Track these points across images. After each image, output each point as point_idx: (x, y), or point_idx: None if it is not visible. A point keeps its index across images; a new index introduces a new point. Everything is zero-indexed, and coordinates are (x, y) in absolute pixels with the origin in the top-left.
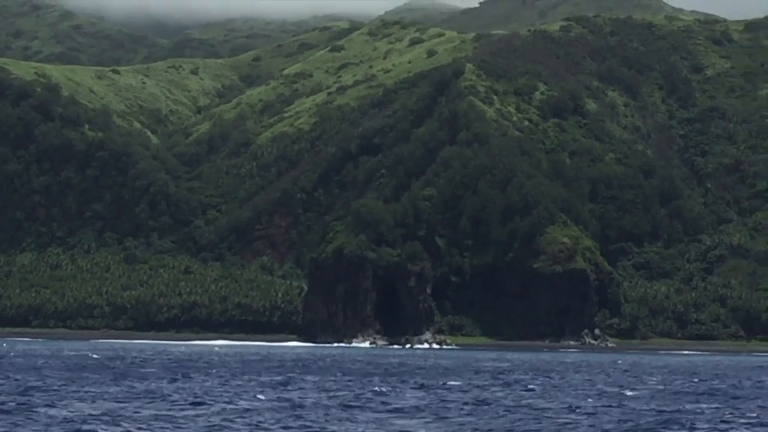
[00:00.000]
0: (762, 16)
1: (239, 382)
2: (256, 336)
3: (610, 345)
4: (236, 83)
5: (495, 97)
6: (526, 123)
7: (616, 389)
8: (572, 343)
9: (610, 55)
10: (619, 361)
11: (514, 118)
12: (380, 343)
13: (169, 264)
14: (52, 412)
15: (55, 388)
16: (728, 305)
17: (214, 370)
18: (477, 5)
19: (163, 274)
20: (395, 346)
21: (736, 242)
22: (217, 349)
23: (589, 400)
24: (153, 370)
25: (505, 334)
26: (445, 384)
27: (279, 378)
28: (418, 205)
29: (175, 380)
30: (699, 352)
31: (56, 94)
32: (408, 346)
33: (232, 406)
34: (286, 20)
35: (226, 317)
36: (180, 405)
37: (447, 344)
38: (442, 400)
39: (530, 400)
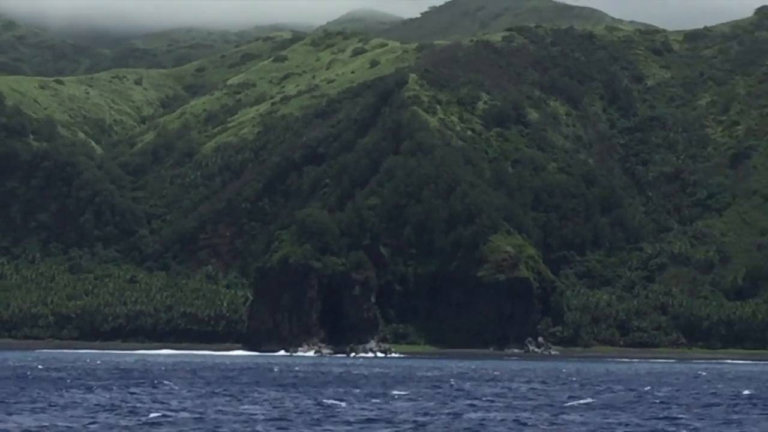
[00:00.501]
0: (701, 26)
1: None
2: (202, 345)
3: (553, 353)
4: (180, 93)
5: (438, 107)
6: (469, 133)
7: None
8: (516, 350)
9: (551, 65)
10: (563, 369)
11: (458, 128)
12: (325, 351)
13: (114, 273)
14: None
15: None
16: (669, 313)
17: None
18: (418, 15)
19: (108, 284)
20: (340, 355)
21: (677, 250)
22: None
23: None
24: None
25: (449, 342)
26: (391, 394)
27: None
28: (362, 214)
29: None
30: (639, 360)
31: (0, 104)
32: (353, 354)
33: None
34: (228, 31)
35: (172, 326)
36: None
37: (391, 353)
38: (391, 412)
39: (473, 414)
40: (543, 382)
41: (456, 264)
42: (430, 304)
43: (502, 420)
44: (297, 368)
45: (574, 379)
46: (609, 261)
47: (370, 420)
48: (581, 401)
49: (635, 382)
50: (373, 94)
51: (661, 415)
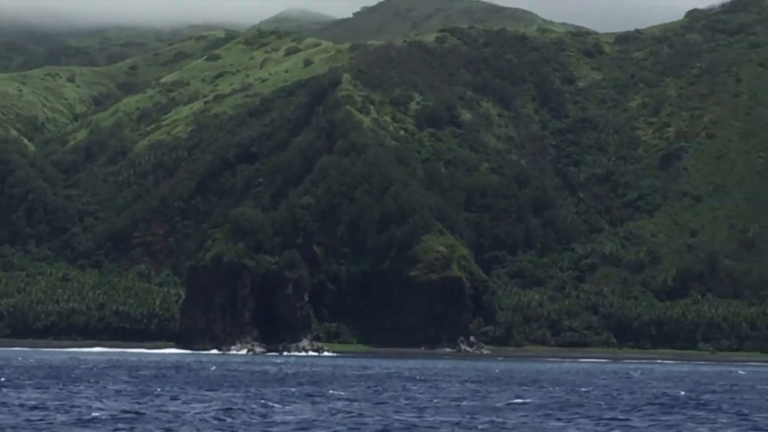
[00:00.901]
0: (632, 29)
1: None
2: (134, 343)
3: (485, 352)
4: (113, 91)
5: (371, 107)
6: (402, 133)
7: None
8: (448, 350)
9: (484, 66)
10: (497, 369)
11: (391, 128)
12: (258, 350)
13: (47, 271)
14: None
15: None
16: (600, 313)
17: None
18: (351, 16)
19: (40, 282)
20: (273, 354)
21: (608, 251)
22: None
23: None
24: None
25: (381, 342)
26: (327, 393)
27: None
28: (296, 213)
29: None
30: (570, 360)
31: None
32: (285, 353)
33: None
34: (161, 29)
35: (104, 324)
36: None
37: (324, 352)
38: (326, 412)
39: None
40: (478, 382)
41: (389, 263)
42: (362, 303)
43: (443, 422)
44: (232, 367)
45: (510, 378)
46: (540, 261)
47: (307, 420)
48: (521, 401)
49: (571, 382)
50: (306, 93)
51: (604, 416)
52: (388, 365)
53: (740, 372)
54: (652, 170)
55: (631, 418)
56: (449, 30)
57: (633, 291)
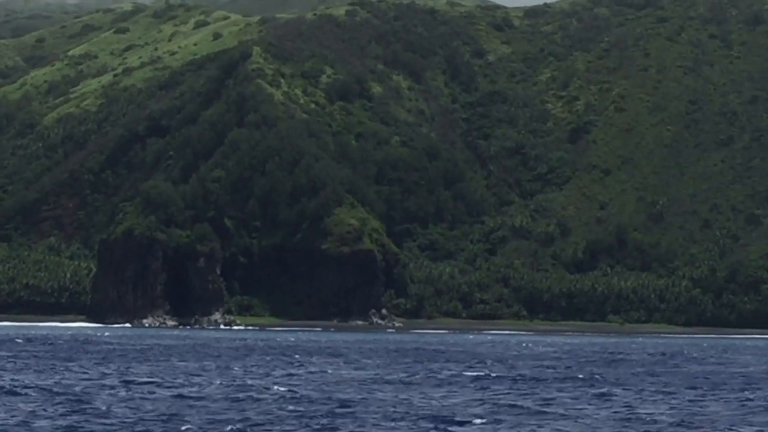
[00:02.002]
0: (541, 3)
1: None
2: (45, 317)
3: (396, 325)
4: (20, 64)
5: (282, 80)
6: (313, 106)
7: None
8: (359, 322)
9: (394, 39)
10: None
11: (301, 101)
12: (170, 323)
13: None
14: None
15: None
16: (511, 285)
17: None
18: None
19: None
20: (186, 327)
21: (518, 224)
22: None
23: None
24: None
25: (293, 315)
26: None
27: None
28: (207, 186)
29: None
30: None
31: None
32: (197, 326)
33: None
34: (66, 2)
35: (14, 298)
36: None
37: (236, 325)
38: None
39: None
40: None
41: (300, 236)
42: (274, 276)
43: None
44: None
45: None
46: (451, 234)
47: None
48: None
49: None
50: (216, 66)
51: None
52: (306, 338)
53: (632, 345)
54: (562, 143)
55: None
56: (359, 3)
57: (543, 263)
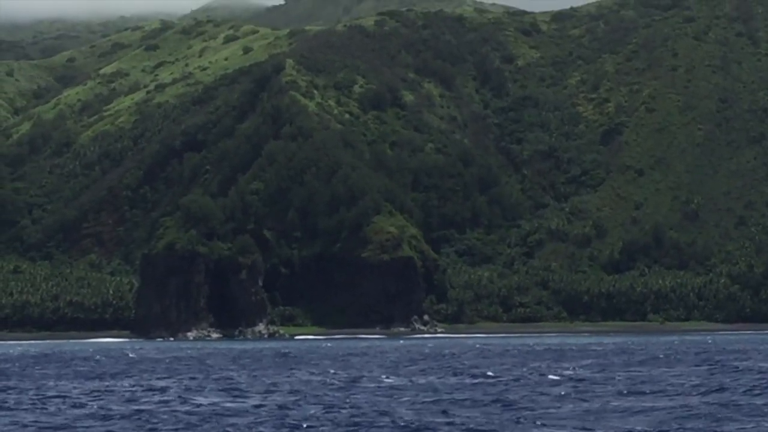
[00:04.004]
0: (567, 6)
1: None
2: (90, 333)
3: (439, 330)
4: (52, 84)
5: (315, 91)
6: (347, 116)
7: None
8: (402, 329)
9: (424, 48)
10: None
11: (335, 112)
12: (214, 336)
13: None
14: None
15: None
16: (550, 288)
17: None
18: (282, 2)
19: None
20: (231, 338)
21: (554, 226)
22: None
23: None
24: None
25: (335, 323)
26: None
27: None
28: (245, 199)
29: None
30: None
31: None
32: (241, 338)
33: None
34: (91, 21)
35: (59, 315)
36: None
37: (280, 335)
38: None
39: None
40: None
41: (340, 245)
42: (315, 286)
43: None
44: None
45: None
46: (488, 238)
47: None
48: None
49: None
50: (250, 80)
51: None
52: (356, 346)
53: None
54: (594, 145)
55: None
56: (388, 13)
57: (581, 265)
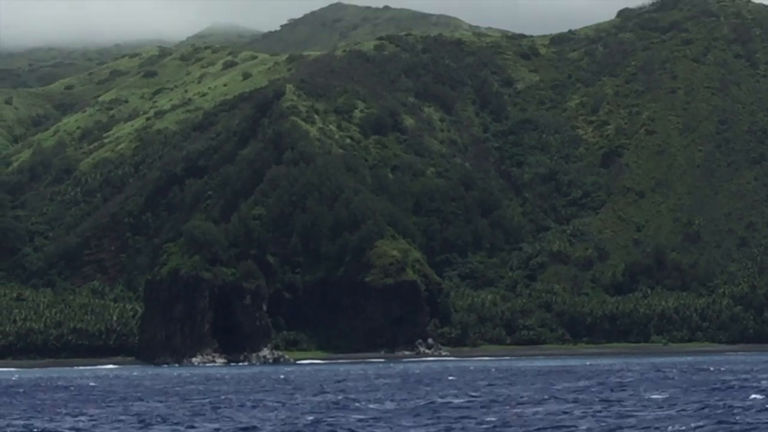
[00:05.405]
0: (566, 30)
1: None
2: (94, 360)
3: (443, 353)
4: (51, 112)
5: (316, 116)
6: (348, 141)
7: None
8: (407, 353)
9: (423, 72)
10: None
11: (336, 137)
12: (219, 361)
13: (0, 292)
14: None
15: None
16: (553, 310)
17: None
18: (278, 28)
19: None
20: (236, 364)
21: (556, 249)
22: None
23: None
24: None
25: (340, 348)
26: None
27: None
28: (248, 224)
29: None
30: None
31: None
32: (246, 363)
33: None
34: (87, 49)
35: (62, 342)
36: None
37: (285, 359)
38: None
39: None
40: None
41: (343, 270)
42: (319, 310)
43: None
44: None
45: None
46: (490, 262)
47: None
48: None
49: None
50: (250, 105)
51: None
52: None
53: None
54: (595, 168)
55: None
56: (387, 38)
57: (584, 287)
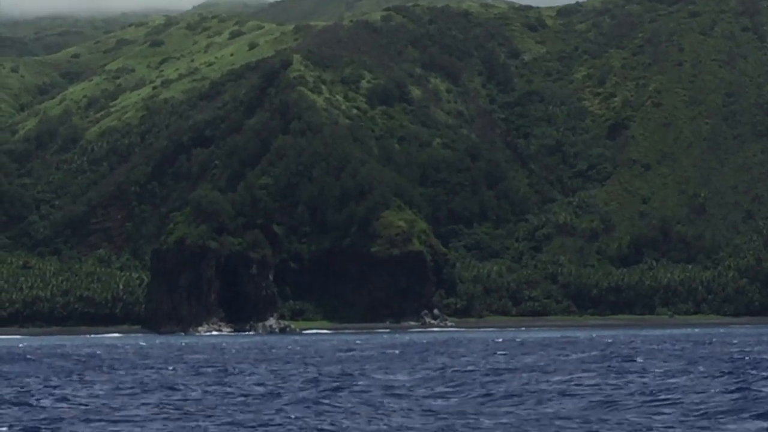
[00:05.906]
0: (573, 1)
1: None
2: (101, 328)
3: (449, 324)
4: (57, 80)
5: (323, 86)
6: (355, 111)
7: None
8: (412, 323)
9: (430, 43)
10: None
11: (343, 107)
12: (225, 330)
13: (7, 260)
14: None
15: None
16: (559, 281)
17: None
18: None
19: (1, 270)
20: (242, 333)
21: (562, 221)
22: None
23: None
24: None
25: (345, 318)
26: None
27: None
28: (255, 194)
29: None
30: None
31: None
32: (252, 332)
33: None
34: (94, 18)
35: (69, 310)
36: None
37: (291, 329)
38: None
39: None
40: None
41: (350, 240)
42: (325, 280)
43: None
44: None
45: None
46: (496, 233)
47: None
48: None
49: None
50: (257, 75)
51: None
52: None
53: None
54: (601, 140)
55: None
56: (394, 8)
57: (589, 259)
